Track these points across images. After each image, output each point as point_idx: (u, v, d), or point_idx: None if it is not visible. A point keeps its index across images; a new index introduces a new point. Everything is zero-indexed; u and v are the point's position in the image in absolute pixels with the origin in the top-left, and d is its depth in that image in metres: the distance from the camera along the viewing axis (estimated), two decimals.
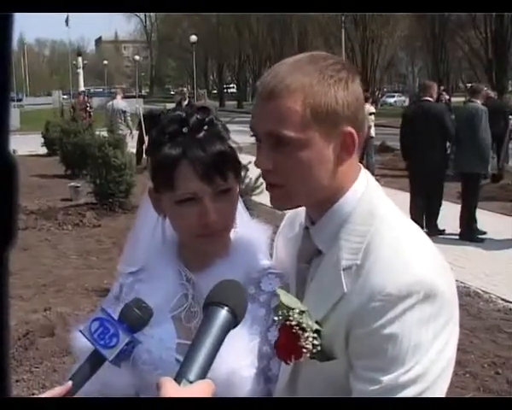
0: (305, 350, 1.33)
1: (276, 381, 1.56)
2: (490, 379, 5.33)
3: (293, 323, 1.34)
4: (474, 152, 9.51)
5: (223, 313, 1.28)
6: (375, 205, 1.41)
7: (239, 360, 1.53)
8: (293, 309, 1.35)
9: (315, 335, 1.34)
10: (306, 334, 1.33)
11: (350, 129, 1.36)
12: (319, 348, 1.34)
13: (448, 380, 1.36)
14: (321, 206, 1.43)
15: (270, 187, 1.44)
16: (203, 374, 1.22)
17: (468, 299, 6.99)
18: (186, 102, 17.99)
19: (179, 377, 1.21)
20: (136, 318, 1.48)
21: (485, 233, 9.84)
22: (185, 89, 21.68)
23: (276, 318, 1.38)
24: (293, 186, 1.40)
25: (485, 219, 10.30)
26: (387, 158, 18.09)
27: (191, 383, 1.20)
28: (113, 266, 8.47)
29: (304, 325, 1.34)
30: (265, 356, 1.59)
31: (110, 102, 18.30)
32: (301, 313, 1.35)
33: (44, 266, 8.83)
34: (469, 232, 9.72)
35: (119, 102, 17.30)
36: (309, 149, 1.36)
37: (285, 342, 1.36)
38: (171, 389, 1.18)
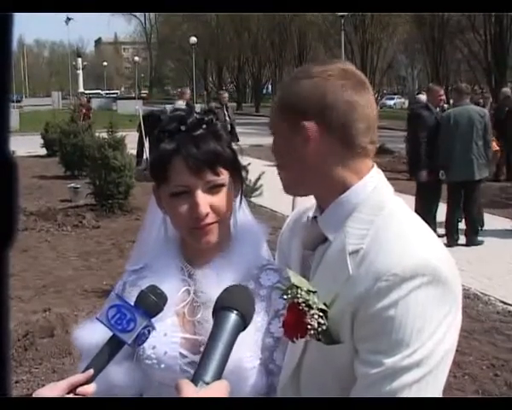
0: (309, 327, 1.36)
1: (279, 373, 1.59)
2: (489, 381, 5.33)
3: (301, 300, 1.38)
4: (480, 157, 9.35)
5: (232, 317, 1.36)
6: (384, 200, 1.46)
7: (243, 352, 1.56)
8: (301, 288, 1.39)
9: (320, 313, 1.37)
10: (312, 311, 1.37)
11: (308, 122, 1.44)
12: (324, 327, 1.37)
13: (448, 367, 1.38)
14: (328, 196, 1.49)
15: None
16: (218, 375, 1.29)
17: (467, 301, 6.99)
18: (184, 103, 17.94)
19: (196, 380, 1.28)
20: (152, 303, 1.52)
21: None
22: (181, 89, 21.63)
23: (284, 297, 1.41)
24: (285, 176, 1.56)
25: (485, 222, 10.30)
26: (387, 160, 18.13)
27: (207, 384, 1.27)
28: (112, 267, 8.51)
29: (310, 303, 1.38)
30: (268, 348, 1.63)
31: (174, 104, 18.08)
32: (309, 292, 1.39)
33: (44, 268, 8.84)
34: (475, 239, 9.67)
35: (180, 104, 17.08)
36: (279, 137, 1.53)
37: (292, 320, 1.40)
38: (191, 391, 1.24)
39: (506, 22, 42.66)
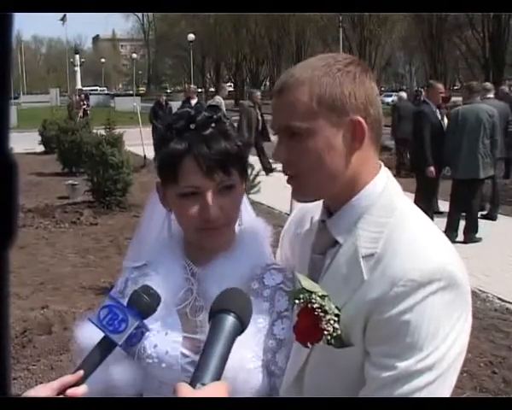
0: (326, 333, 1.35)
1: (281, 375, 1.58)
2: (487, 378, 5.34)
3: (316, 305, 1.36)
4: (486, 156, 9.33)
5: (230, 320, 1.33)
6: (394, 200, 1.45)
7: (244, 353, 1.55)
8: (315, 292, 1.37)
9: (336, 318, 1.36)
10: (328, 316, 1.35)
11: (358, 118, 1.40)
12: (339, 332, 1.36)
13: (458, 369, 1.39)
14: (339, 198, 1.46)
15: (288, 179, 1.50)
16: (217, 378, 1.27)
17: None
18: (195, 101, 17.69)
19: (194, 382, 1.25)
20: (144, 304, 1.50)
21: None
22: (193, 86, 21.29)
23: (296, 301, 1.39)
24: (305, 175, 1.45)
25: (483, 219, 10.31)
26: (384, 157, 18.09)
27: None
28: (110, 264, 8.50)
29: (326, 308, 1.36)
30: (270, 350, 1.61)
31: (213, 99, 17.87)
32: (323, 296, 1.38)
33: (42, 264, 8.82)
34: (473, 236, 9.68)
35: (219, 99, 16.95)
36: (317, 137, 1.41)
37: (305, 326, 1.38)
38: (188, 392, 1.21)
39: (504, 19, 42.70)
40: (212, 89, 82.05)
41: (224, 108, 15.10)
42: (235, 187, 1.64)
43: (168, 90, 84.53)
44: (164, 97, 19.80)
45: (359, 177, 1.44)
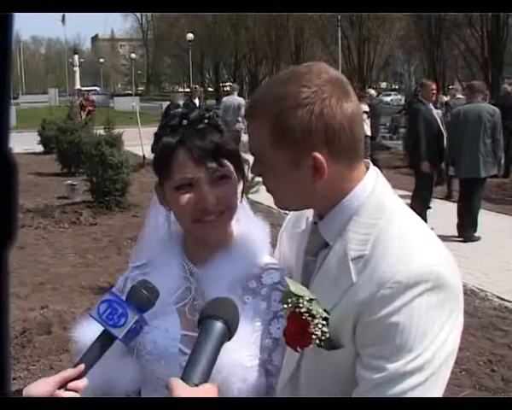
0: (314, 337, 1.36)
1: (278, 374, 1.59)
2: (485, 377, 5.34)
3: (303, 310, 1.36)
4: (487, 155, 9.38)
5: (218, 325, 1.38)
6: (384, 200, 1.44)
7: (242, 351, 1.56)
8: (302, 297, 1.38)
9: (324, 322, 1.36)
10: (316, 321, 1.36)
11: (316, 154, 1.36)
12: (327, 335, 1.36)
13: (450, 369, 1.39)
14: (323, 207, 1.47)
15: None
16: (205, 379, 1.32)
17: (464, 297, 6.76)
18: (197, 101, 17.50)
19: (185, 380, 1.30)
20: (143, 298, 1.51)
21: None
22: (197, 86, 21.16)
23: (285, 306, 1.40)
24: (278, 194, 1.48)
25: (481, 217, 10.30)
26: (383, 156, 18.11)
27: (196, 386, 1.30)
28: (109, 264, 8.51)
29: (313, 312, 1.36)
30: (267, 349, 1.63)
31: (226, 98, 17.58)
32: (310, 300, 1.38)
33: (41, 265, 8.82)
34: (472, 235, 9.69)
35: (236, 98, 16.70)
36: (277, 172, 1.42)
37: (294, 330, 1.39)
38: (182, 389, 1.26)
39: (503, 18, 42.69)
40: (211, 88, 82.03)
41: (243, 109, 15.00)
42: (230, 178, 1.65)
43: (166, 90, 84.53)
44: (181, 98, 19.60)
45: (338, 190, 1.43)
